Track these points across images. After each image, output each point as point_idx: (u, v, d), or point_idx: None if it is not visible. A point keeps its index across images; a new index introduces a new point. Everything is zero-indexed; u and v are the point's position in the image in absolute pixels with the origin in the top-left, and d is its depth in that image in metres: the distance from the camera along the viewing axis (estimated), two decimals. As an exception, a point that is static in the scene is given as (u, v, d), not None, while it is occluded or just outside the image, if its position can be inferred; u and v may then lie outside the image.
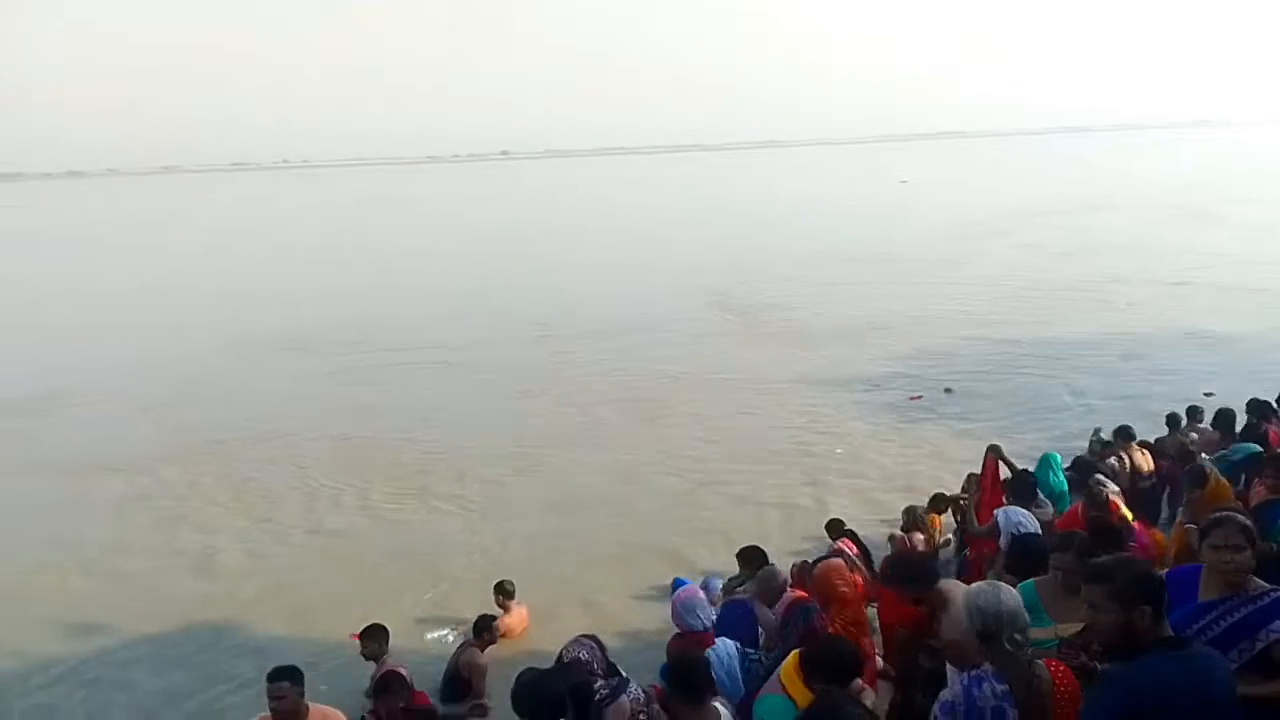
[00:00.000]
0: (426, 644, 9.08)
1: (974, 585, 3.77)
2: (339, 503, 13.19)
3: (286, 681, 5.38)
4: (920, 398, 17.25)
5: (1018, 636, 3.38)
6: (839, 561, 6.86)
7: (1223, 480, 6.88)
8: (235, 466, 14.90)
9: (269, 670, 5.54)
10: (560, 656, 4.82)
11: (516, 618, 9.18)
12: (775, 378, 19.02)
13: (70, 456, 15.70)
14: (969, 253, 37.03)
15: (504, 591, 9.26)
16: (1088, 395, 16.81)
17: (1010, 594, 3.48)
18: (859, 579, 7.02)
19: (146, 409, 18.58)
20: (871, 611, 6.56)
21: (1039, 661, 3.46)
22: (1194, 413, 10.92)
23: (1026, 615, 3.47)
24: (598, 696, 4.43)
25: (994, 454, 8.22)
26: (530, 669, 4.48)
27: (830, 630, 5.18)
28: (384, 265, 41.78)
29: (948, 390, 17.66)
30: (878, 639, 6.11)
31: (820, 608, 5.55)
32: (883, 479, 13.08)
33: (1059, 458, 8.95)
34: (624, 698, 4.50)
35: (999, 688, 3.37)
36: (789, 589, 6.08)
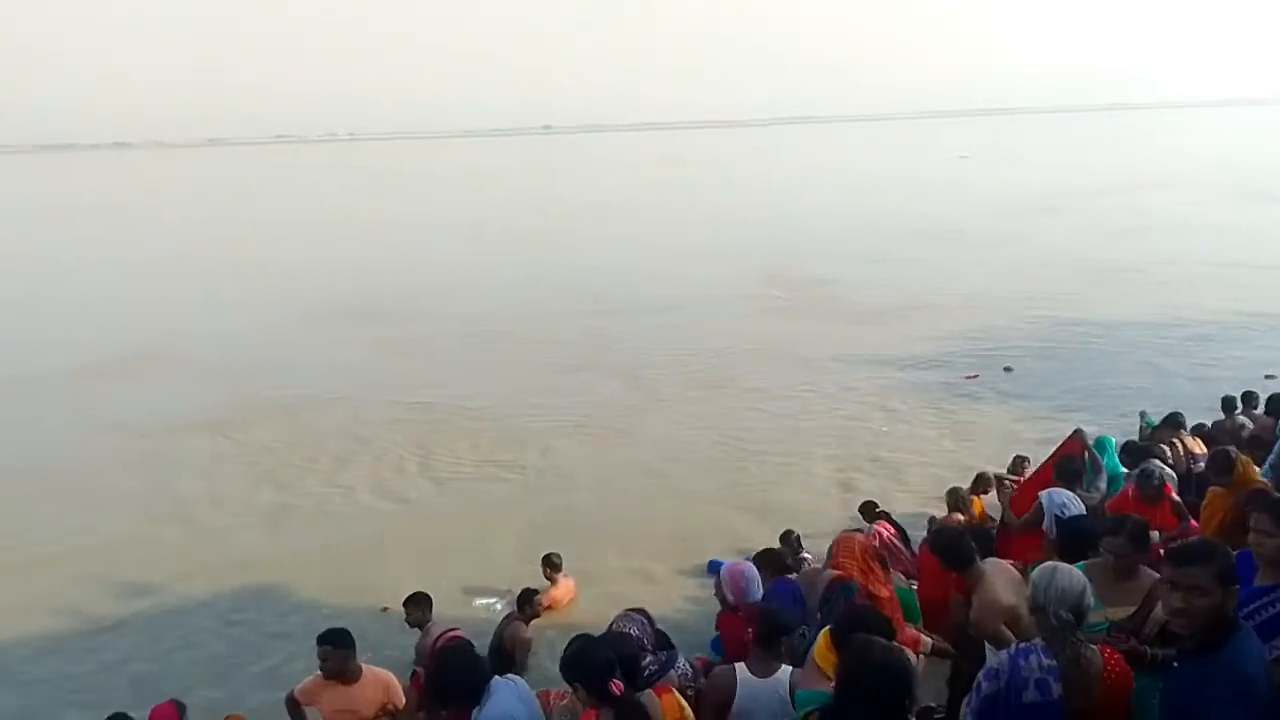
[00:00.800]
0: (474, 611, 9.24)
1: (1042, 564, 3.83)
2: (402, 468, 13.54)
3: (330, 645, 5.64)
4: (977, 377, 17.10)
5: (1064, 614, 3.41)
6: (858, 537, 6.92)
7: (1250, 465, 6.76)
8: (307, 430, 15.46)
9: (319, 633, 5.78)
10: (610, 630, 4.90)
11: (563, 590, 9.30)
12: (827, 355, 18.95)
13: (156, 416, 16.39)
14: (1026, 229, 36.53)
15: (551, 564, 9.40)
16: (1148, 376, 16.55)
17: (1067, 574, 3.52)
18: (885, 561, 7.05)
19: (226, 373, 19.31)
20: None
21: (1092, 645, 3.49)
22: (1249, 398, 10.71)
23: (1087, 599, 3.48)
24: (646, 672, 4.51)
25: (1078, 438, 8.06)
26: (581, 635, 4.59)
27: (861, 600, 5.23)
28: (440, 238, 42.01)
29: (1007, 369, 17.45)
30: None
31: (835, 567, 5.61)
32: (932, 459, 12.99)
33: (1113, 440, 8.87)
34: (672, 672, 4.57)
35: (1047, 662, 3.43)
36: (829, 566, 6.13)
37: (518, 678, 4.02)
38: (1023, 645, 3.58)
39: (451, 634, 6.85)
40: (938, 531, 5.94)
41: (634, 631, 4.78)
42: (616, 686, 3.86)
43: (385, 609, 8.80)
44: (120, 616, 9.72)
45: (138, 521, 12.14)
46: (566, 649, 4.29)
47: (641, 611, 5.30)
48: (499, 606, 9.11)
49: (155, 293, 29.87)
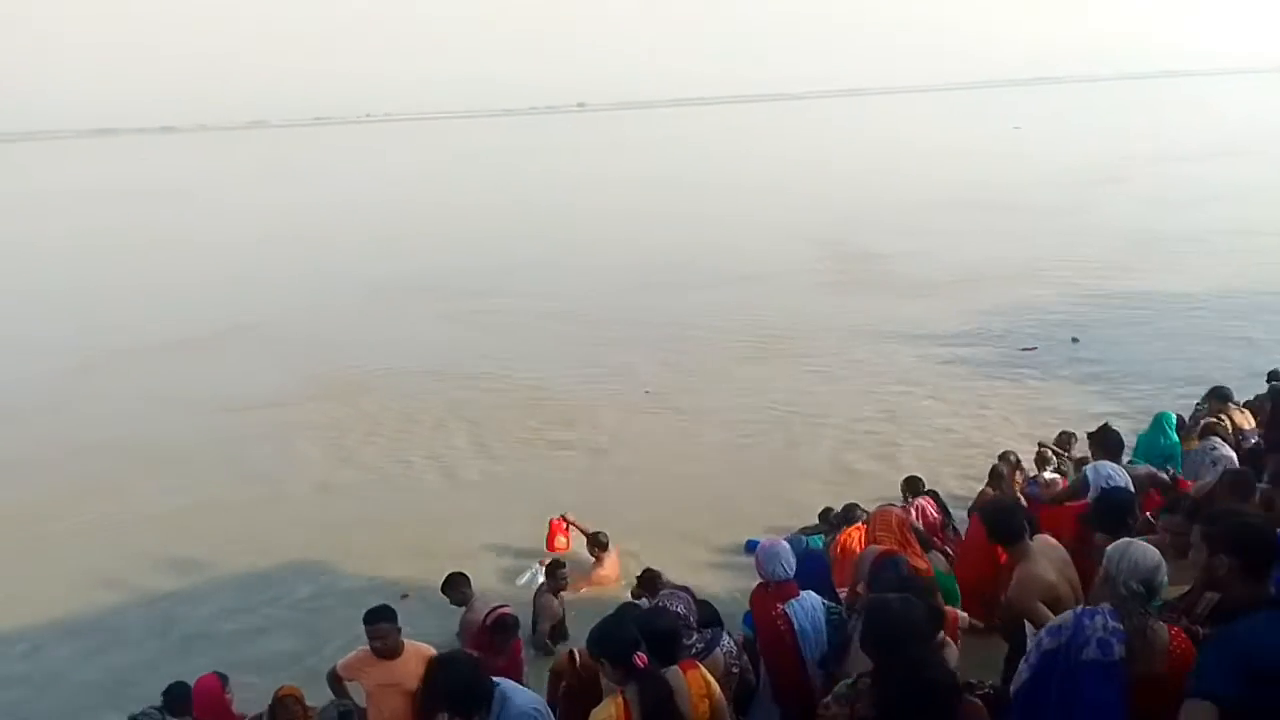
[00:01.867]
0: (517, 587, 9.35)
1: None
2: (458, 443, 13.95)
3: (385, 622, 5.67)
4: (1034, 349, 16.77)
5: (1135, 585, 3.39)
6: (895, 510, 6.83)
7: None
8: (370, 404, 15.96)
9: (365, 612, 5.80)
10: (658, 607, 4.89)
11: (609, 567, 9.44)
12: (880, 328, 18.95)
13: (231, 391, 17.06)
14: (1086, 200, 36.03)
15: (598, 543, 9.52)
16: (1213, 347, 16.21)
17: (1141, 549, 3.50)
18: (925, 538, 6.95)
19: (299, 348, 20.06)
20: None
21: (1161, 623, 3.44)
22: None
23: (1160, 575, 3.45)
24: (693, 650, 4.49)
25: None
26: (626, 605, 4.59)
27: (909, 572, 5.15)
28: (491, 217, 42.28)
29: (1075, 340, 17.21)
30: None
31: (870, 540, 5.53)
32: (985, 435, 12.89)
33: (1173, 416, 8.69)
34: (717, 650, 4.56)
35: (1112, 624, 3.39)
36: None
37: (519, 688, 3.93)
38: (1089, 607, 3.54)
39: (500, 611, 6.80)
40: (992, 501, 5.83)
41: (681, 609, 4.76)
42: (640, 659, 3.85)
43: (405, 596, 8.91)
44: (168, 586, 10.08)
45: (195, 493, 12.56)
46: (595, 625, 4.30)
47: (685, 589, 5.28)
48: (541, 578, 9.21)
49: (232, 272, 30.76)
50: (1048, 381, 15.15)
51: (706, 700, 4.04)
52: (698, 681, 4.05)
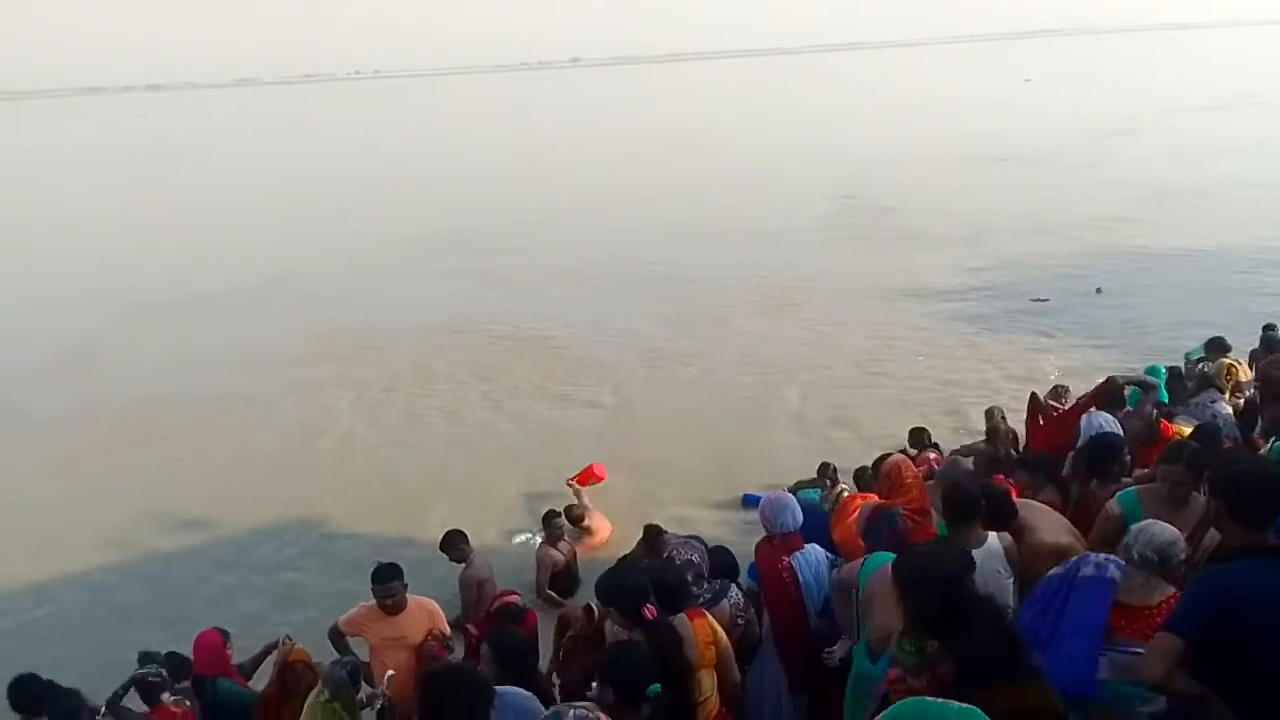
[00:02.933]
0: (513, 548, 9.46)
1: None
2: (473, 399, 14.08)
3: (396, 580, 5.73)
4: (1046, 300, 16.81)
5: (1150, 554, 3.52)
6: (905, 458, 6.83)
7: None
8: (391, 360, 16.02)
9: (374, 570, 5.82)
10: (670, 557, 4.92)
11: (598, 528, 9.43)
12: (892, 282, 18.92)
13: (257, 347, 17.25)
14: (1102, 152, 35.80)
15: (571, 516, 9.41)
16: (1229, 300, 15.98)
17: (1162, 528, 3.63)
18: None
19: (322, 303, 20.23)
20: None
21: (1168, 585, 3.55)
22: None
23: (1176, 549, 3.56)
24: (701, 600, 4.53)
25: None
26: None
27: (905, 526, 5.18)
28: (502, 175, 41.51)
29: (1098, 290, 17.26)
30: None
31: (883, 497, 5.55)
32: (981, 386, 12.97)
33: (1163, 370, 8.72)
34: (725, 602, 4.60)
35: (1114, 570, 3.59)
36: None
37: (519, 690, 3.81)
38: (1103, 556, 3.72)
39: (506, 600, 6.71)
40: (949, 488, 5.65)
41: (695, 559, 4.79)
42: (650, 611, 3.88)
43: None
44: (166, 546, 10.21)
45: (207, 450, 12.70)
46: (602, 575, 4.31)
47: (696, 538, 5.30)
48: (537, 540, 9.28)
49: (247, 230, 30.75)
50: (1056, 335, 15.18)
51: (713, 647, 4.09)
52: (704, 629, 4.10)
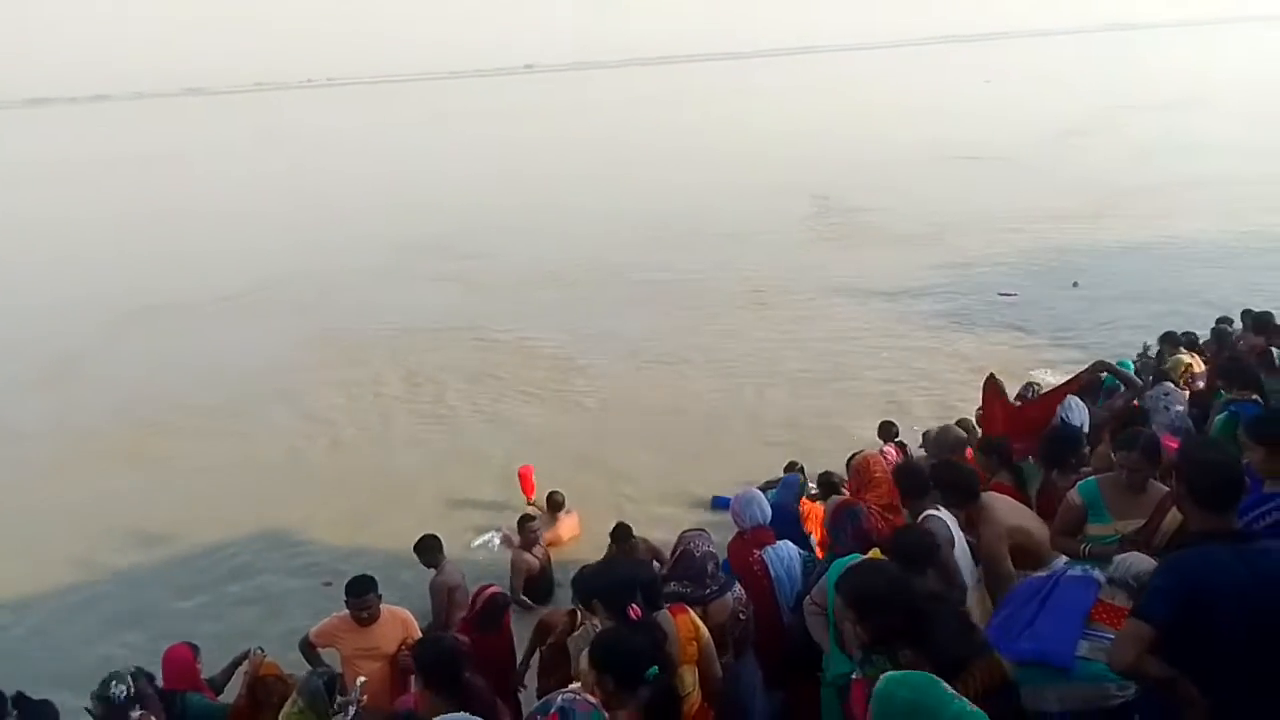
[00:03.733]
0: (473, 552, 9.44)
1: None
2: (451, 401, 14.20)
3: (372, 593, 5.70)
4: (1014, 295, 17.07)
5: (1130, 580, 3.73)
6: (876, 454, 6.91)
7: None
8: (374, 364, 16.16)
9: (349, 582, 5.79)
10: (682, 543, 4.87)
11: (565, 527, 9.48)
12: (861, 281, 19.26)
13: (250, 354, 17.33)
14: (1066, 151, 36.59)
15: (553, 504, 9.54)
16: (1198, 298, 16.24)
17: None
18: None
19: (308, 309, 20.37)
20: None
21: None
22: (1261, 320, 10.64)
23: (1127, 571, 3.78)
24: (709, 592, 4.57)
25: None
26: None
27: (870, 523, 5.26)
28: (475, 183, 41.06)
29: (1075, 284, 17.59)
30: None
31: (852, 494, 5.62)
32: (954, 383, 13.15)
33: (1130, 363, 8.96)
34: (729, 595, 4.63)
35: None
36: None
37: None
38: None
39: (491, 591, 6.63)
40: (943, 465, 5.76)
41: (709, 548, 4.81)
42: (635, 611, 3.89)
43: (328, 583, 8.87)
44: (140, 559, 10.14)
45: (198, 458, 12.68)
46: (585, 568, 4.31)
47: (705, 532, 5.33)
48: (495, 542, 9.27)
49: (229, 238, 30.51)
50: (1025, 328, 15.51)
51: (694, 643, 4.12)
52: (686, 625, 4.13)
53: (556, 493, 9.63)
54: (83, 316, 20.66)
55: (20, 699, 5.32)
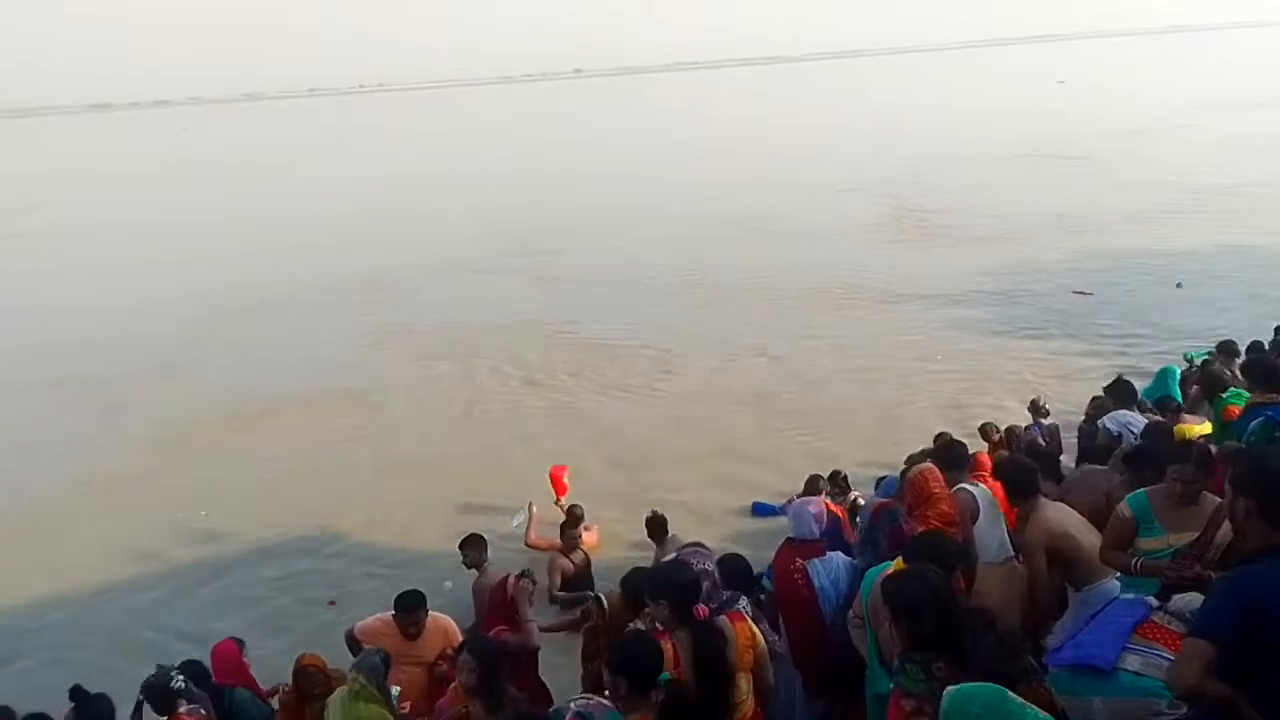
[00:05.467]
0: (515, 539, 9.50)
1: None
2: (517, 396, 14.56)
3: (422, 609, 5.81)
4: (1089, 294, 16.90)
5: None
6: (931, 467, 6.82)
7: None
8: (444, 355, 16.60)
9: (399, 598, 5.88)
10: (678, 561, 4.94)
11: (586, 540, 9.48)
12: (939, 282, 19.12)
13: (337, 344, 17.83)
14: (1137, 151, 36.08)
15: (572, 518, 9.44)
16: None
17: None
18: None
19: (414, 307, 20.54)
20: None
21: None
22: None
23: None
24: (713, 605, 4.57)
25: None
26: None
27: (922, 528, 5.22)
28: (549, 183, 40.67)
29: (1179, 285, 17.12)
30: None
31: (908, 511, 5.58)
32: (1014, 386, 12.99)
33: (1177, 370, 8.77)
34: (737, 607, 4.63)
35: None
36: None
37: None
38: None
39: (524, 578, 6.77)
40: (1009, 459, 5.79)
41: (708, 566, 4.84)
42: (701, 610, 3.92)
43: (333, 603, 8.99)
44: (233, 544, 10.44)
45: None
46: (649, 570, 4.33)
47: (702, 545, 5.34)
48: (516, 522, 9.46)
49: (349, 235, 30.77)
50: (1089, 333, 15.32)
51: (751, 651, 4.13)
52: (745, 633, 4.16)
53: (576, 506, 9.63)
54: (191, 311, 21.19)
55: (77, 692, 5.44)
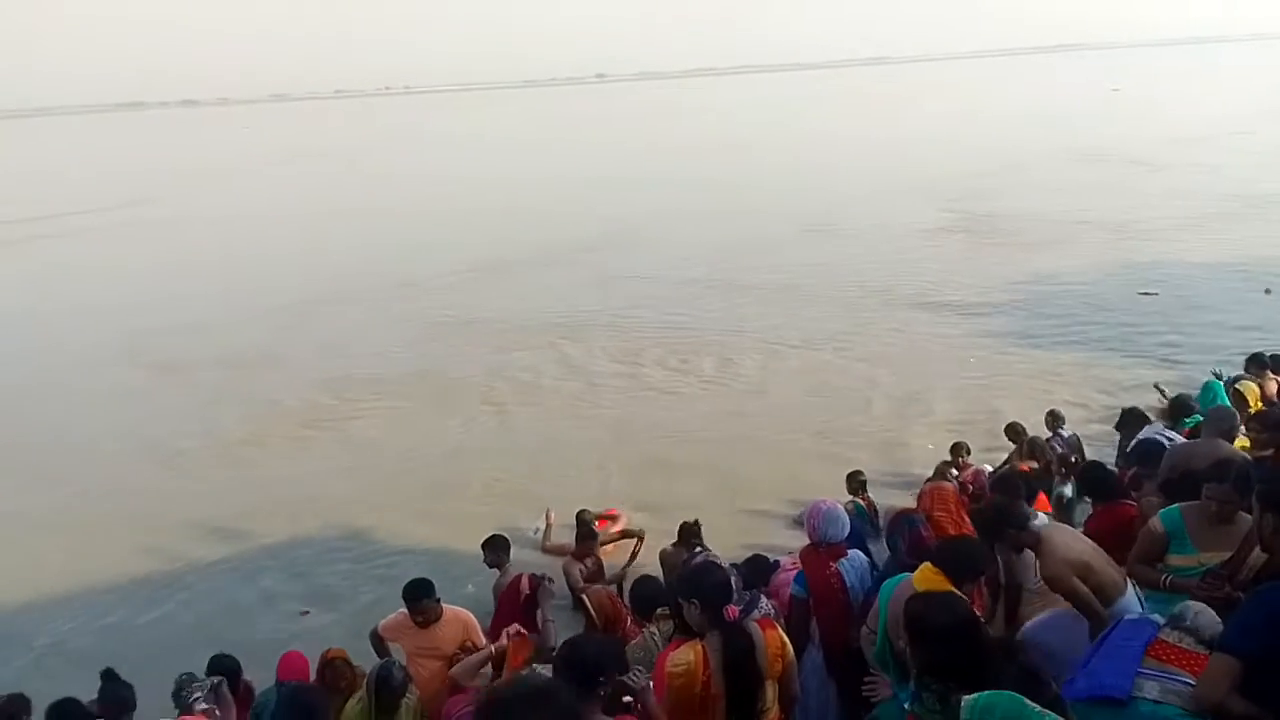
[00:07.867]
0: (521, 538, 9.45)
1: None
2: (590, 387, 14.83)
3: (430, 599, 5.82)
4: (1155, 293, 16.76)
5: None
6: (949, 487, 6.78)
7: None
8: (513, 349, 16.85)
9: (405, 586, 5.91)
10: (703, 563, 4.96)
11: (614, 528, 9.54)
12: (1002, 283, 19.14)
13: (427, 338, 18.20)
14: (1194, 158, 35.79)
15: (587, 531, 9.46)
16: None
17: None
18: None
19: (480, 304, 20.63)
20: None
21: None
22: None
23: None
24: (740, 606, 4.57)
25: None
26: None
27: (928, 532, 5.24)
28: (593, 187, 40.52)
29: (1267, 291, 16.46)
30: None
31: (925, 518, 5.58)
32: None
33: (1220, 385, 8.65)
34: (756, 612, 4.62)
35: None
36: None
37: None
38: None
39: (544, 579, 6.73)
40: (979, 510, 5.56)
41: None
42: (732, 611, 3.90)
43: (306, 612, 8.93)
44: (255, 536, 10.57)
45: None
46: (683, 568, 4.32)
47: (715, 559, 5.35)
48: (535, 530, 9.51)
49: (389, 234, 31.30)
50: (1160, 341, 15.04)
51: (780, 660, 4.12)
52: (774, 641, 4.13)
53: (584, 511, 9.49)
54: (273, 304, 21.63)
55: (108, 674, 5.48)
